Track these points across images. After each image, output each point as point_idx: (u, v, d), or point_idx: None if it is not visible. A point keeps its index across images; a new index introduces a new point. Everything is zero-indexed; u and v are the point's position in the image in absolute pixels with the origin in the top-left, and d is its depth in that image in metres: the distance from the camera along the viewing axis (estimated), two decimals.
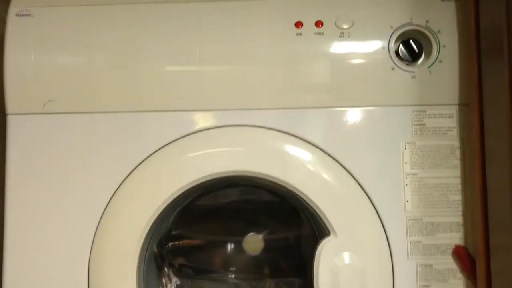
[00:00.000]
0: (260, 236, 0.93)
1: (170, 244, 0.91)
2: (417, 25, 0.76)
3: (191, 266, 0.93)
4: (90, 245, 0.74)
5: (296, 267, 0.92)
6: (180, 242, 0.93)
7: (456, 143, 0.76)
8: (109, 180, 0.75)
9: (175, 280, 0.90)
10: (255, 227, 0.93)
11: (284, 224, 0.94)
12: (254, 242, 0.93)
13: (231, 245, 0.94)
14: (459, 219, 0.75)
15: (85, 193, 0.75)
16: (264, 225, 0.94)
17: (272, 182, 0.75)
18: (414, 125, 0.76)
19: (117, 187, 0.75)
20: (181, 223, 0.91)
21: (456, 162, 0.75)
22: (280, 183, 0.74)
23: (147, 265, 0.80)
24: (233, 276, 0.93)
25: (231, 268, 0.94)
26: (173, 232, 0.91)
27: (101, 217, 0.75)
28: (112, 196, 0.75)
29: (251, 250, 0.94)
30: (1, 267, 0.76)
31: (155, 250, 0.85)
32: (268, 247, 0.93)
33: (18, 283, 0.75)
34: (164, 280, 0.88)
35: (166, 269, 0.90)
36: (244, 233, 0.93)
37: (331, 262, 0.72)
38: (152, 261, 0.84)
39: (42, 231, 0.75)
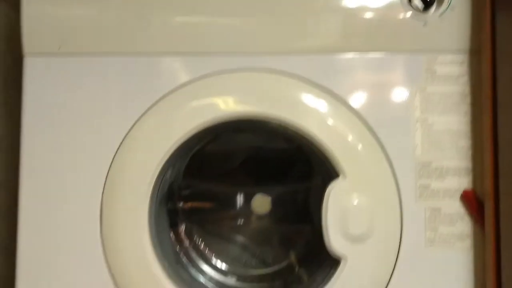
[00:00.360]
0: (269, 197, 0.94)
1: (180, 195, 0.92)
2: None
3: (200, 216, 0.94)
4: (102, 185, 0.76)
5: (304, 220, 0.93)
6: (189, 201, 0.94)
7: (467, 89, 0.76)
8: (122, 121, 0.76)
9: (184, 225, 0.92)
10: (264, 184, 0.94)
11: (293, 179, 0.94)
12: (262, 202, 0.94)
13: (239, 200, 0.95)
14: (468, 164, 0.75)
15: (98, 135, 0.76)
16: (273, 181, 0.94)
17: (283, 125, 0.76)
18: (425, 71, 0.76)
19: (130, 128, 0.76)
20: (191, 175, 0.92)
21: (466, 108, 0.76)
22: (291, 126, 0.75)
23: (158, 209, 0.81)
24: (239, 233, 0.94)
25: (239, 223, 0.94)
26: (184, 187, 0.92)
27: (113, 158, 0.76)
28: (125, 137, 0.76)
29: (259, 210, 0.95)
30: (17, 200, 0.77)
31: (165, 196, 0.86)
32: (277, 204, 0.94)
33: (32, 213, 0.76)
34: (174, 224, 0.89)
35: (176, 214, 0.91)
36: (253, 190, 0.94)
37: (340, 203, 0.73)
38: (163, 206, 0.85)
39: (55, 171, 0.77)
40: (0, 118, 0.90)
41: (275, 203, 0.94)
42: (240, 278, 0.90)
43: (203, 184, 0.95)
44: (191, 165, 0.91)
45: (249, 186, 0.95)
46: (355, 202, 0.74)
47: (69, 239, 0.76)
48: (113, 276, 0.75)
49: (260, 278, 0.91)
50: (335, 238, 0.73)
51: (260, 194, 0.94)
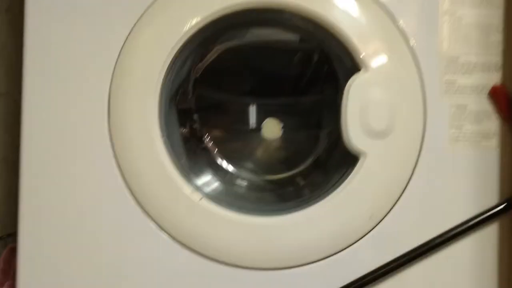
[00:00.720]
0: (280, 124, 0.90)
1: (191, 99, 0.88)
2: None
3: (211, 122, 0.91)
4: (110, 76, 0.72)
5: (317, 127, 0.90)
6: (201, 107, 0.90)
7: None
8: (131, 8, 0.72)
9: (194, 128, 0.89)
10: (277, 96, 0.90)
11: (308, 90, 0.91)
12: (272, 127, 0.90)
13: (252, 111, 0.91)
14: (498, 59, 0.71)
15: (106, 23, 0.72)
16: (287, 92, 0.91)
17: (303, 15, 0.71)
18: None
19: (139, 15, 0.72)
20: (203, 83, 0.89)
21: (499, 1, 0.71)
22: (313, 16, 0.71)
23: (168, 106, 0.78)
24: (251, 140, 0.91)
25: (250, 131, 0.91)
26: (195, 92, 0.89)
27: (122, 47, 0.72)
28: (134, 25, 0.72)
29: (270, 135, 0.91)
30: (18, 113, 0.75)
31: (176, 95, 0.83)
32: (289, 115, 0.90)
33: (37, 108, 0.73)
34: (184, 125, 0.86)
35: (186, 116, 0.88)
36: (266, 102, 0.91)
37: (361, 97, 0.70)
38: (173, 105, 0.81)
39: (60, 64, 0.73)
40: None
41: (288, 114, 0.90)
42: (251, 183, 0.87)
43: (216, 94, 0.91)
44: (204, 75, 0.88)
45: (261, 97, 0.91)
46: (376, 96, 0.70)
47: (75, 134, 0.73)
48: (121, 169, 0.72)
49: (272, 184, 0.88)
50: (354, 133, 0.70)
51: (270, 119, 0.91)
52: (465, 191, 0.71)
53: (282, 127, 0.90)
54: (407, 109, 0.71)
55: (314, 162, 0.87)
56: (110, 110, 0.73)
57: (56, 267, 0.73)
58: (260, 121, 0.90)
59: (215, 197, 0.74)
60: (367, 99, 0.70)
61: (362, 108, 0.70)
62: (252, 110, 0.91)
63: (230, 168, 0.88)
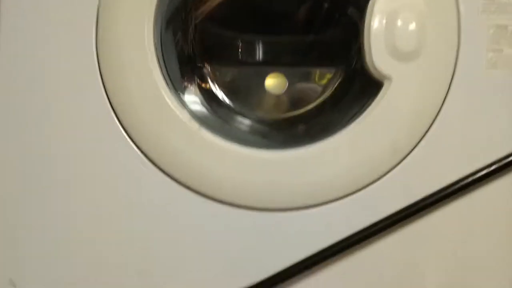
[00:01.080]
0: (285, 78, 0.81)
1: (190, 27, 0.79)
2: None
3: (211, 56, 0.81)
4: None
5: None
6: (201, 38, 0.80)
7: None
8: None
9: (193, 61, 0.79)
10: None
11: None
12: (277, 81, 0.82)
13: (257, 46, 0.82)
14: None
15: None
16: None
17: None
18: None
19: None
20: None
21: None
22: None
23: (165, 33, 0.69)
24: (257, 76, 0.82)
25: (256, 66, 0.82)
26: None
27: None
28: None
29: (275, 90, 0.82)
30: None
31: (172, 18, 0.73)
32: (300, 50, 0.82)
33: (14, 25, 0.64)
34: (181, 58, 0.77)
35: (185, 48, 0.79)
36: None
37: (387, 13, 0.61)
38: (170, 32, 0.72)
39: None
40: None
41: (298, 52, 0.82)
42: (257, 121, 0.78)
43: (218, 30, 0.82)
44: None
45: (270, 34, 0.82)
46: (404, 13, 0.61)
47: (58, 64, 0.63)
48: (108, 95, 0.63)
49: (280, 123, 0.79)
50: (378, 55, 0.61)
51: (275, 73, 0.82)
52: (503, 122, 0.62)
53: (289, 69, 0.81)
54: (439, 28, 0.62)
55: (328, 99, 0.78)
56: (98, 33, 0.63)
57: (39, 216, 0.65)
58: (267, 59, 0.81)
59: (215, 130, 0.65)
60: (394, 16, 0.61)
61: (387, 27, 0.61)
62: (258, 48, 0.82)
63: (232, 104, 0.79)
